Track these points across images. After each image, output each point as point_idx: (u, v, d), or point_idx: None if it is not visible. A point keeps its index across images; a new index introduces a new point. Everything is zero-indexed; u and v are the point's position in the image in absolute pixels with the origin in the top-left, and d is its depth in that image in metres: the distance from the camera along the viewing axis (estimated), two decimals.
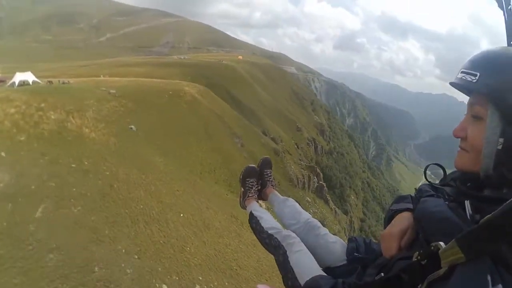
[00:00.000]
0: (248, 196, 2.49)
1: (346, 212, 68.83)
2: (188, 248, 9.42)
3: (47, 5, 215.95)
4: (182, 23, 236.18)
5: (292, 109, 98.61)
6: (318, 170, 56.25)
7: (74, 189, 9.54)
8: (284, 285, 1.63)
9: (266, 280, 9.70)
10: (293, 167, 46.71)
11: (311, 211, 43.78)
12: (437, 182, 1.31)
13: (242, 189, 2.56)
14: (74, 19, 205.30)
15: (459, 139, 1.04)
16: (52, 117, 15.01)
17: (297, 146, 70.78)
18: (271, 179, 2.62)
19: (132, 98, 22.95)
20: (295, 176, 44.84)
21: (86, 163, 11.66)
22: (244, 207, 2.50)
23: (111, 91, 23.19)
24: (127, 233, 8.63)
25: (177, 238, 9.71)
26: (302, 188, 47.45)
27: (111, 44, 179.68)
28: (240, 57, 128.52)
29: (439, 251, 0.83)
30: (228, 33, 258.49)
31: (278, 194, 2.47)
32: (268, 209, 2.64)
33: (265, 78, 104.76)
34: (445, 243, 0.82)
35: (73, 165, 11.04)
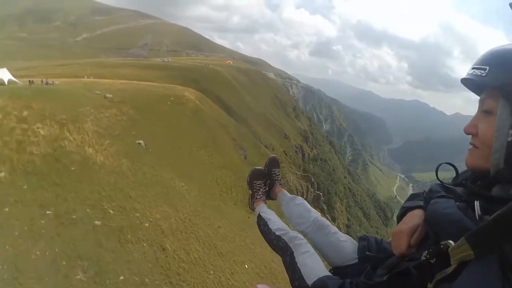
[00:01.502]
0: (256, 198, 2.46)
1: (334, 219, 67.38)
2: None
3: (23, 1, 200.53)
4: (161, 25, 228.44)
5: (277, 115, 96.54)
6: (313, 180, 54.09)
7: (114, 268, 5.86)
8: (291, 286, 1.59)
9: None
10: (292, 177, 44.10)
11: None
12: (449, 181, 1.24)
13: (250, 192, 2.53)
14: (51, 17, 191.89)
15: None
16: (41, 132, 11.13)
17: (286, 154, 68.65)
18: (279, 178, 2.57)
19: (132, 105, 19.08)
20: (294, 187, 42.33)
21: (111, 211, 7.97)
22: (253, 209, 2.46)
23: (107, 95, 19.16)
24: None
25: None
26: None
27: (87, 44, 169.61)
28: (230, 62, 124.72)
29: (449, 249, 0.84)
30: (205, 36, 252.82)
31: (287, 193, 2.44)
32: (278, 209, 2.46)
33: (249, 84, 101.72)
34: (455, 242, 0.83)
35: (96, 222, 7.20)
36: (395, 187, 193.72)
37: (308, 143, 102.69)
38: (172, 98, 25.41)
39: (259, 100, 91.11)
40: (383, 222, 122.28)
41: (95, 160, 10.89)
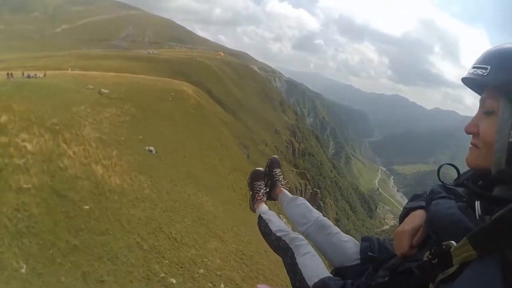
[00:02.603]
0: (257, 199, 2.42)
1: (324, 214, 66.67)
2: None
3: None
4: (142, 16, 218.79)
5: (266, 110, 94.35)
6: (309, 177, 52.55)
7: None
8: (293, 286, 1.58)
9: None
10: (291, 175, 42.24)
11: None
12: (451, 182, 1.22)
13: (251, 193, 2.51)
14: (28, 7, 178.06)
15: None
16: (29, 147, 8.17)
17: (277, 149, 66.99)
18: (280, 179, 2.53)
19: (133, 102, 16.26)
20: (293, 185, 40.58)
21: (170, 278, 5.23)
22: (253, 210, 2.43)
23: (103, 90, 16.18)
24: None
25: None
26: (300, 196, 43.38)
27: (67, 36, 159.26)
28: (221, 53, 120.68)
29: (451, 249, 0.83)
30: (188, 29, 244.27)
31: (288, 193, 2.42)
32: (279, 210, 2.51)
33: (236, 77, 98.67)
34: (457, 243, 0.82)
35: None
36: (376, 179, 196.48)
37: (296, 137, 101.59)
38: (172, 93, 22.65)
39: (248, 94, 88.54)
40: (367, 214, 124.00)
41: (110, 185, 8.05)
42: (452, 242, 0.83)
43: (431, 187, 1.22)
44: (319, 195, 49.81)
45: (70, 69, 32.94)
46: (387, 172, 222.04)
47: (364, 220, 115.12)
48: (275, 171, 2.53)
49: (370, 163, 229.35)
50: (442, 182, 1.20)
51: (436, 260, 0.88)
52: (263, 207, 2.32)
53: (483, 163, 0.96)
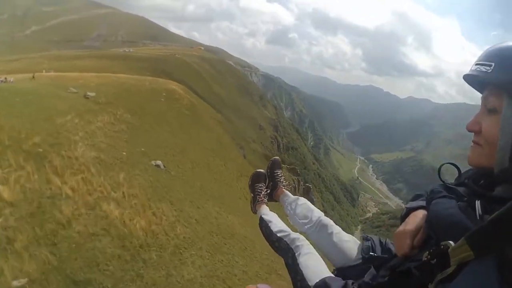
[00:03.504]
0: (258, 201, 2.40)
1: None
2: None
3: None
4: (115, 15, 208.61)
5: (247, 106, 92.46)
6: (299, 172, 51.56)
7: None
8: (294, 287, 1.56)
9: None
10: (285, 173, 40.97)
11: None
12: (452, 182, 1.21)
13: (252, 195, 2.48)
14: None
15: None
16: (3, 191, 5.66)
17: (263, 145, 65.75)
18: (281, 180, 2.54)
19: (124, 106, 14.06)
20: (287, 182, 39.43)
21: None
22: (255, 212, 2.41)
23: (89, 93, 13.82)
24: None
25: None
26: (293, 193, 42.42)
27: (37, 38, 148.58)
28: (201, 48, 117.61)
29: (449, 249, 0.82)
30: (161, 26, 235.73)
31: (289, 194, 2.42)
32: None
33: (216, 74, 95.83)
34: (455, 243, 0.81)
35: None
36: (356, 169, 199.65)
37: (279, 132, 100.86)
38: (164, 94, 20.44)
39: (229, 91, 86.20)
40: (351, 203, 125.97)
41: (137, 235, 5.62)
42: (450, 242, 0.82)
43: (432, 186, 1.19)
44: (312, 190, 48.91)
45: (44, 71, 29.60)
46: (366, 161, 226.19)
47: (348, 210, 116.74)
48: (277, 172, 2.55)
49: (349, 153, 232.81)
50: (443, 181, 1.18)
51: (435, 260, 0.86)
52: (264, 209, 2.30)
53: (486, 161, 0.94)
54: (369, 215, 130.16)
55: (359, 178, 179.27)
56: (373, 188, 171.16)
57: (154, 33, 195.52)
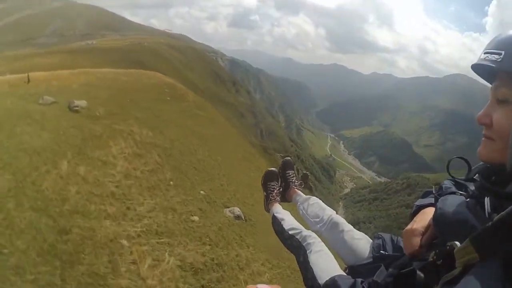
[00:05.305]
0: (271, 200, 2.40)
1: (317, 196, 65.56)
2: None
3: None
4: (70, 7, 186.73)
5: (224, 93, 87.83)
6: (291, 158, 49.04)
7: None
8: (305, 285, 1.56)
9: None
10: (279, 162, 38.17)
11: None
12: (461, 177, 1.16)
13: (265, 193, 2.48)
14: None
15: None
16: None
17: (246, 135, 62.28)
18: (293, 180, 2.52)
19: (134, 117, 9.86)
20: (299, 181, 36.76)
21: None
22: (268, 210, 2.41)
23: (76, 103, 9.14)
24: None
25: None
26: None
27: None
28: (170, 29, 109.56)
29: (454, 251, 0.78)
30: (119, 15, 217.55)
31: (302, 194, 2.40)
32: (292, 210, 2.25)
33: (187, 61, 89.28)
34: (461, 243, 0.77)
35: None
36: (328, 146, 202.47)
37: (256, 118, 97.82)
38: (167, 90, 16.24)
39: (203, 78, 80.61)
40: (329, 181, 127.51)
41: None
42: (456, 242, 0.78)
43: (441, 182, 1.16)
44: (310, 177, 46.81)
45: (0, 76, 23.51)
46: (336, 138, 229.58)
47: (329, 188, 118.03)
48: (288, 173, 2.53)
49: (319, 131, 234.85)
50: (453, 176, 1.13)
51: (441, 261, 0.83)
52: (277, 207, 2.30)
53: (499, 157, 0.85)
54: (347, 190, 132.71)
55: (332, 155, 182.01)
56: (346, 164, 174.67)
57: (112, 23, 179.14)
